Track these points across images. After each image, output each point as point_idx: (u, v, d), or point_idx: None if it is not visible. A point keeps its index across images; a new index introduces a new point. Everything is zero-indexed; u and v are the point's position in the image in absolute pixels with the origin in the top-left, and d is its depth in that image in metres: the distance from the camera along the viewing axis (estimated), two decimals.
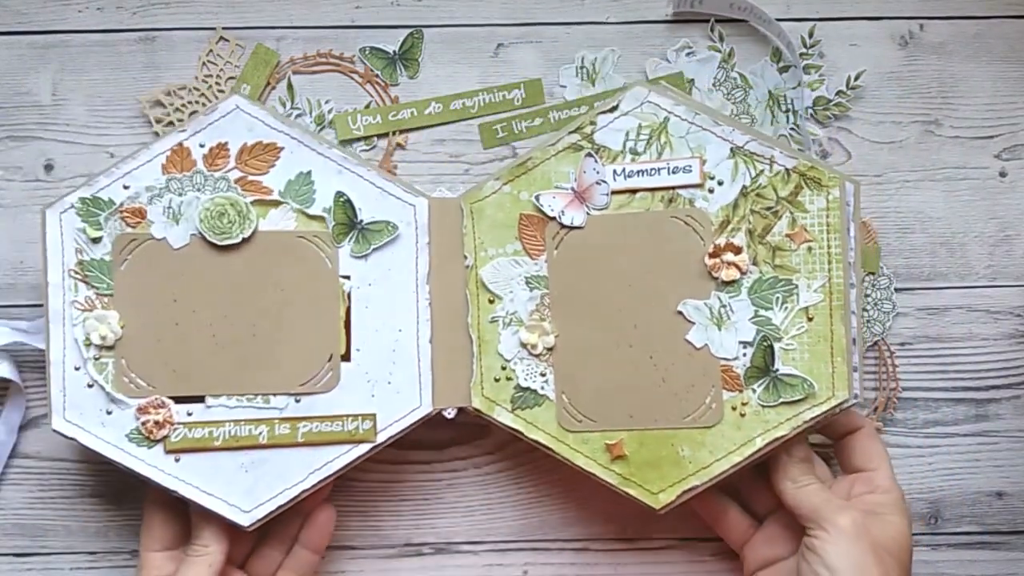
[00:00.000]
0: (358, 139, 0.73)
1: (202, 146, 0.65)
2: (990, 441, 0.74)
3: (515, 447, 0.74)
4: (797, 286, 0.65)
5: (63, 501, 0.73)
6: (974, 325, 0.74)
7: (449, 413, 0.68)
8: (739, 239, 0.66)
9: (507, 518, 0.74)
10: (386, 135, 0.73)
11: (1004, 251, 0.74)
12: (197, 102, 0.72)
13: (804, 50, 0.73)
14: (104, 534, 0.73)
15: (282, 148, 0.66)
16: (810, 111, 0.74)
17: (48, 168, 0.72)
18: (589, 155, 0.67)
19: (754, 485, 0.72)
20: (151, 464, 0.65)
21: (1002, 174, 0.74)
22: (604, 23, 0.74)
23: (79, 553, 0.73)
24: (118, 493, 0.73)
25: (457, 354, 0.68)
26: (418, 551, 0.74)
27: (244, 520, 0.65)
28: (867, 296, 0.74)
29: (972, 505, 0.74)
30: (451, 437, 0.74)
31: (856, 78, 0.73)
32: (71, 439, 0.65)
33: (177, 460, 0.65)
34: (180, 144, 0.65)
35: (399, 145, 0.73)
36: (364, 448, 0.66)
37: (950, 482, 0.74)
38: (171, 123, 0.72)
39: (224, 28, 0.73)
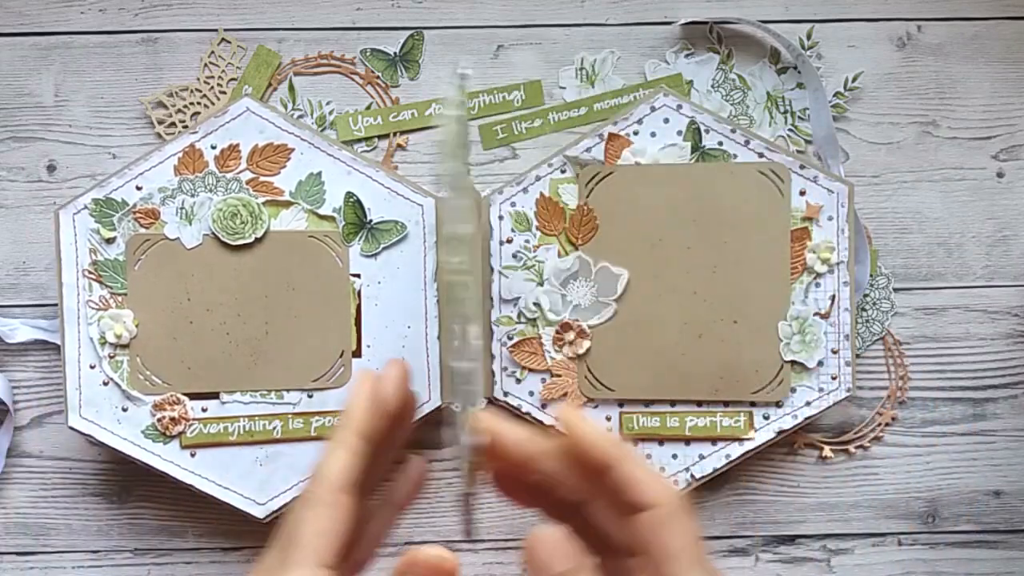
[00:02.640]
0: (359, 140, 0.82)
1: (214, 147, 0.76)
2: (987, 440, 0.84)
3: None
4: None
5: (65, 500, 0.82)
6: (971, 325, 0.84)
7: (457, 407, 0.80)
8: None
9: (506, 517, 0.83)
10: (387, 136, 0.83)
11: (1001, 251, 0.84)
12: (199, 103, 0.82)
13: (802, 51, 0.82)
14: (106, 532, 0.82)
15: (292, 149, 0.77)
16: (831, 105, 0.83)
17: (50, 169, 0.82)
18: None
19: None
20: (167, 459, 0.76)
21: (999, 175, 0.84)
22: (603, 25, 0.83)
23: (81, 552, 0.82)
24: (120, 492, 0.82)
25: (484, 349, 0.80)
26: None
27: (259, 512, 0.76)
28: (866, 296, 0.83)
29: (970, 504, 0.83)
30: (451, 436, 0.86)
31: (854, 79, 0.83)
32: (87, 436, 0.76)
33: (193, 455, 0.76)
34: (192, 146, 0.76)
35: (399, 146, 0.83)
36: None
37: (948, 481, 0.83)
38: (173, 124, 0.81)
39: (226, 30, 0.82)
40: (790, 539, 0.84)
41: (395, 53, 0.84)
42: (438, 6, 0.84)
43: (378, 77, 0.83)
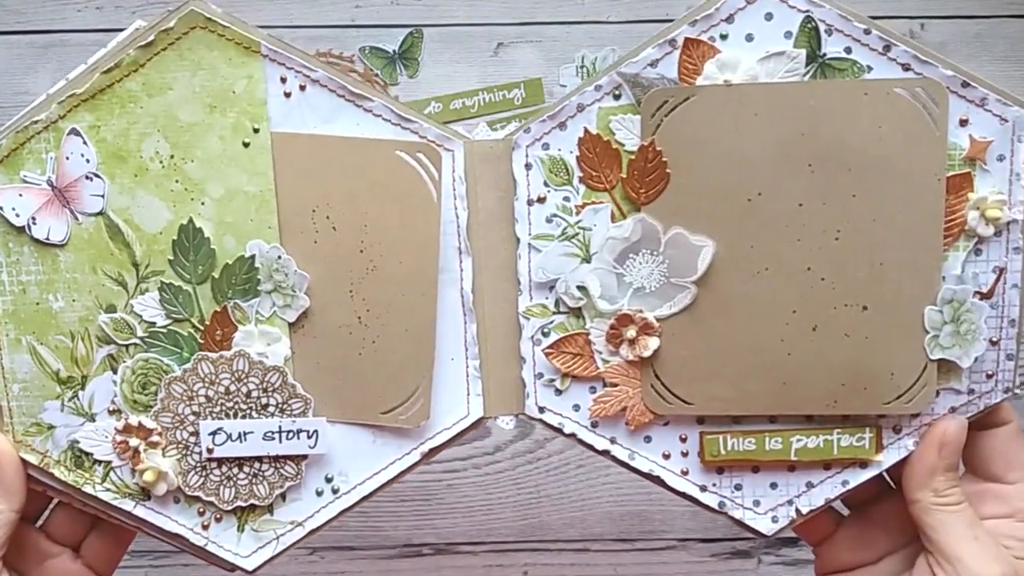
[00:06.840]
0: None
1: None
2: None
3: (515, 448, 0.82)
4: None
5: None
6: None
7: (507, 423, 0.60)
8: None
9: (507, 519, 0.82)
10: None
11: None
12: None
13: None
14: None
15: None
16: None
17: None
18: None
19: None
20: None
21: None
22: (604, 22, 0.82)
23: None
24: None
25: (509, 351, 0.59)
26: (418, 551, 0.82)
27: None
28: None
29: None
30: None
31: None
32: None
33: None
34: None
35: None
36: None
37: None
38: None
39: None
40: (792, 541, 0.83)
41: (394, 51, 0.82)
42: (438, 4, 0.82)
43: (377, 75, 0.82)
